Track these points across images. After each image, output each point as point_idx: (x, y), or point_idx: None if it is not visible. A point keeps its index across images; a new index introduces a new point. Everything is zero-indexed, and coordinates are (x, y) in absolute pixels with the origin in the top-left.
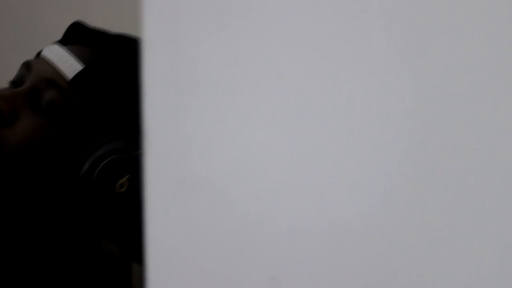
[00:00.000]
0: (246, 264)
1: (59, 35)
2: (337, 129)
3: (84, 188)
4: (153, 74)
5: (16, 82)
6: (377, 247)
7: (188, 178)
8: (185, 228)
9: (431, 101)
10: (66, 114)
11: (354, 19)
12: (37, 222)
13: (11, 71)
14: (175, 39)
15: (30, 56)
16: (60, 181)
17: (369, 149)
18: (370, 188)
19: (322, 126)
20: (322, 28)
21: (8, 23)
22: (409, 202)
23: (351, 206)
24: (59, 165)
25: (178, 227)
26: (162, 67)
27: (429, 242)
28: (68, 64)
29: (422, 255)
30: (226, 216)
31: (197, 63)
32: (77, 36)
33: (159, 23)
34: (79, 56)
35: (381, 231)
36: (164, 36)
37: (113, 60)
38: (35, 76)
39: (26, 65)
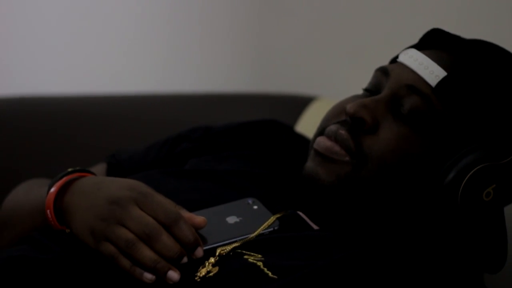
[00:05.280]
0: None
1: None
2: None
3: (451, 197)
4: None
5: (371, 90)
6: None
7: None
8: None
9: None
10: (430, 121)
11: None
12: (403, 228)
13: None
14: None
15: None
16: (424, 189)
17: None
18: None
19: None
20: None
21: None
22: None
23: None
24: (423, 173)
25: None
26: None
27: None
28: (429, 70)
29: None
30: None
31: None
32: (433, 41)
33: None
34: (439, 62)
35: None
36: None
37: (475, 67)
38: (395, 83)
39: (383, 71)
